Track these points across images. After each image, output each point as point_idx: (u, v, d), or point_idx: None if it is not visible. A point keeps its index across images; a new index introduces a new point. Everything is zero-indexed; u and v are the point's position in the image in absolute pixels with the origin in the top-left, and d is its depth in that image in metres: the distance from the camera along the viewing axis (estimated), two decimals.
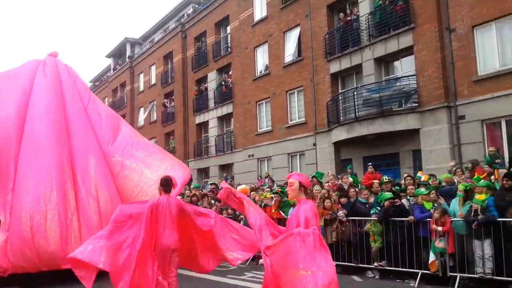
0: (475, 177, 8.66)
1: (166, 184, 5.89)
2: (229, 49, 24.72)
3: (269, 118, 20.88)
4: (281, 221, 9.91)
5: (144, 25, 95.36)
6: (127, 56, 39.08)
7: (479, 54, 12.94)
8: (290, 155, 19.53)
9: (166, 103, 30.74)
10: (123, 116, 37.51)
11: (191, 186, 17.03)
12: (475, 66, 12.90)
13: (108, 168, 8.98)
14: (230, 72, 24.79)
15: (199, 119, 27.14)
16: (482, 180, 7.88)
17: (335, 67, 17.29)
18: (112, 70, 42.30)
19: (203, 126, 27.25)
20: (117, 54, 42.22)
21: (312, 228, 3.95)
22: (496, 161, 9.99)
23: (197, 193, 14.01)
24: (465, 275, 7.29)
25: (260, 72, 21.80)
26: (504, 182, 7.58)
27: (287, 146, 19.50)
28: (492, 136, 12.60)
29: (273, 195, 10.71)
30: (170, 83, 30.42)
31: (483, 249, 7.12)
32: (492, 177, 8.76)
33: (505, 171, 8.90)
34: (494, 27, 12.63)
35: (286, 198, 10.57)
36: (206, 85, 26.76)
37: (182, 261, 6.05)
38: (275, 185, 13.82)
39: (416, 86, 14.19)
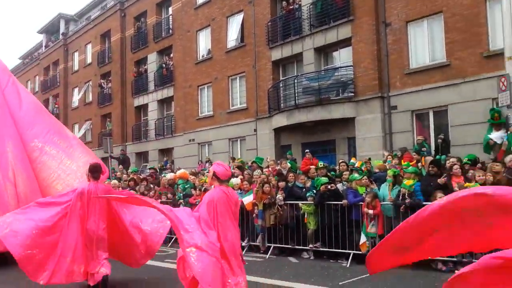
0: (403, 163, 9.25)
1: (95, 170, 5.81)
2: (170, 31, 24.13)
3: (211, 103, 20.77)
4: None
5: (80, 1, 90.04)
6: (60, 33, 36.83)
7: (412, 48, 13.72)
8: (231, 140, 19.61)
9: (102, 83, 29.48)
10: (56, 96, 35.55)
11: (129, 170, 16.62)
12: (407, 60, 13.68)
13: (26, 153, 8.59)
14: (171, 55, 24.25)
15: (138, 101, 26.36)
16: (410, 167, 8.44)
17: (276, 54, 17.52)
18: (44, 47, 39.64)
19: (142, 109, 26.52)
20: (50, 30, 39.61)
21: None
22: (423, 149, 10.72)
23: (135, 177, 13.70)
24: None
25: (202, 56, 21.54)
26: (430, 168, 8.18)
27: (228, 131, 19.56)
28: (421, 125, 13.49)
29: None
30: (107, 63, 29.17)
31: None
32: (419, 164, 9.42)
33: (431, 158, 9.64)
34: (426, 24, 13.43)
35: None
36: (145, 66, 25.98)
37: (112, 252, 6.07)
38: None
39: (353, 77, 14.77)
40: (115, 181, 12.89)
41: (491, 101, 11.32)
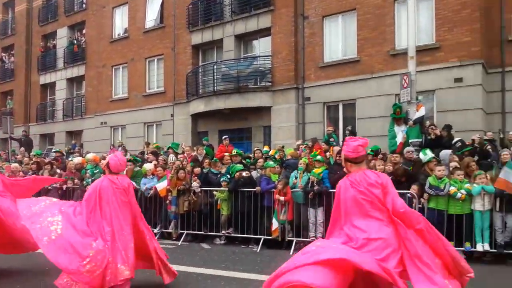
0: (313, 153, 9.67)
1: None
2: (83, 5, 22.56)
3: (126, 85, 19.91)
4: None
5: None
6: None
7: (326, 42, 14.31)
8: (147, 125, 19.02)
9: (4, 57, 26.85)
10: None
11: (32, 153, 15.40)
12: (322, 53, 14.25)
13: None
14: (84, 31, 22.70)
15: (45, 79, 24.39)
16: (319, 156, 8.86)
17: (197, 39, 17.23)
18: None
19: (49, 87, 24.61)
20: None
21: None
22: (331, 140, 11.30)
23: (38, 160, 12.71)
24: (300, 239, 8.18)
25: (118, 34, 20.49)
26: (338, 158, 8.66)
27: (144, 115, 18.93)
28: (331, 117, 14.20)
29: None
30: (10, 35, 26.58)
31: (316, 216, 8.09)
32: (328, 153, 9.93)
33: (339, 148, 10.19)
34: (340, 20, 14.06)
35: (139, 168, 10.36)
36: (54, 42, 24.11)
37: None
38: (129, 155, 13.33)
39: (270, 67, 15.06)
40: (15, 165, 11.82)
41: (394, 96, 12.22)
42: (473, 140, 9.34)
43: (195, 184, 9.15)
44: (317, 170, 8.27)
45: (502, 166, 7.17)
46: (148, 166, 10.17)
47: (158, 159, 11.04)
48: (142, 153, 13.52)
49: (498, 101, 12.15)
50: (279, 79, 14.83)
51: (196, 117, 16.91)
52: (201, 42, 17.16)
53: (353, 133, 12.06)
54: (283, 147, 11.42)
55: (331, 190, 7.88)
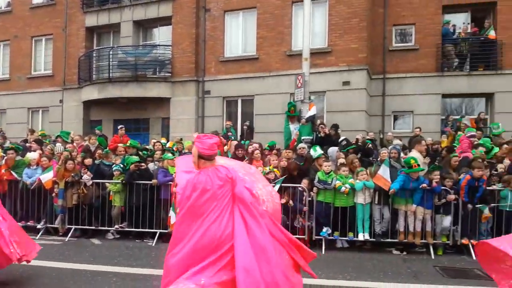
0: None
1: None
2: None
3: (7, 65, 17.98)
4: (13, 183, 8.88)
5: None
6: None
7: (227, 37, 14.47)
8: (31, 110, 17.40)
9: None
10: None
11: None
12: (223, 48, 14.38)
13: None
14: None
15: None
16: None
17: (91, 20, 16.18)
18: None
19: None
20: None
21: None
22: (229, 134, 11.53)
23: None
24: None
25: (0, 8, 18.38)
26: (239, 151, 8.88)
27: (28, 100, 17.28)
28: (230, 111, 14.44)
29: (3, 154, 9.37)
30: None
31: None
32: (226, 147, 10.12)
33: (236, 142, 10.45)
34: (241, 16, 14.31)
35: (20, 158, 9.45)
36: None
37: None
38: (8, 142, 12.08)
39: (171, 57, 14.78)
40: None
41: (289, 95, 12.85)
42: (357, 139, 10.27)
43: (86, 176, 8.65)
44: None
45: (381, 163, 8.00)
46: (31, 156, 9.35)
47: (43, 148, 10.20)
48: (26, 141, 12.36)
49: (379, 104, 13.51)
50: (179, 70, 14.63)
51: (89, 105, 15.93)
52: (97, 24, 16.16)
53: (250, 128, 12.44)
54: (181, 139, 11.33)
55: None
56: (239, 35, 14.33)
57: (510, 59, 12.76)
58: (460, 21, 13.81)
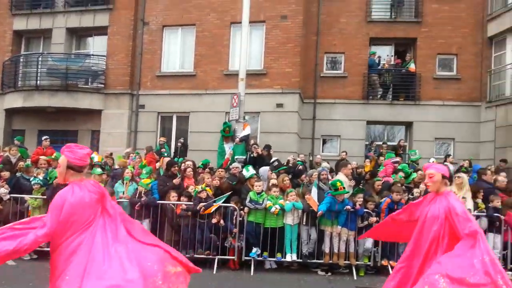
0: (140, 163, 9.58)
1: None
2: None
3: None
4: None
5: None
6: None
7: (165, 52, 14.41)
8: None
9: None
10: None
11: None
12: (159, 63, 14.29)
13: None
14: None
15: None
16: (147, 166, 8.84)
17: (20, 24, 15.35)
18: None
19: None
20: None
21: None
22: (163, 150, 11.40)
23: None
24: None
25: None
26: (173, 169, 8.78)
27: None
28: (164, 127, 14.27)
29: None
30: None
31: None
32: (158, 163, 9.99)
33: (169, 159, 10.34)
34: (180, 32, 14.33)
35: None
36: None
37: None
38: None
39: (104, 68, 14.39)
40: None
41: (225, 114, 12.99)
42: (288, 161, 10.60)
43: (3, 190, 8.08)
44: (145, 181, 8.22)
45: (310, 185, 8.31)
46: None
47: None
48: None
49: (310, 128, 14.09)
50: (113, 82, 14.26)
51: (12, 113, 14.95)
52: (26, 28, 15.35)
53: (184, 145, 12.38)
54: (111, 154, 11.00)
55: (159, 202, 7.95)
56: (177, 51, 14.33)
57: (427, 91, 13.97)
58: (385, 53, 14.94)
